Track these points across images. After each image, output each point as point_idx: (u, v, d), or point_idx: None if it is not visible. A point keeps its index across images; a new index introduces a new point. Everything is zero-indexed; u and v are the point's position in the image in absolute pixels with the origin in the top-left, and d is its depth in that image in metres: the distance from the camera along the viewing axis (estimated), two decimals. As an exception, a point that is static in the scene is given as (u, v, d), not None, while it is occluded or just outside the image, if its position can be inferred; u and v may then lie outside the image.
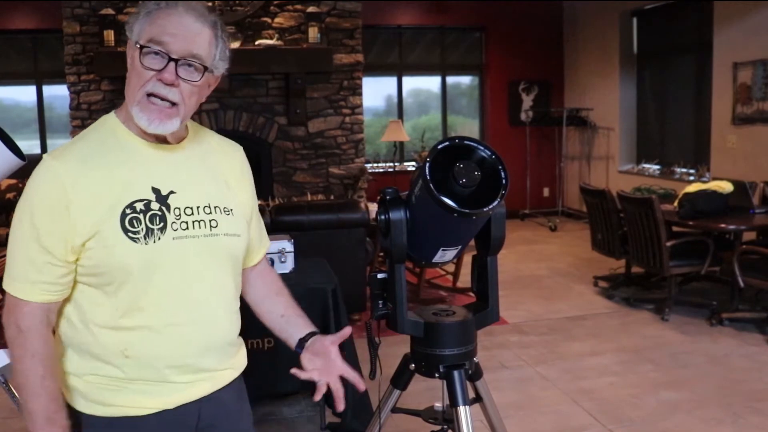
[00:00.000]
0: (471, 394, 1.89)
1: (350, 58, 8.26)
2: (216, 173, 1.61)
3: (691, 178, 7.66)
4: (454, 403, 1.81)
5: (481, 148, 1.60)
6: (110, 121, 1.53)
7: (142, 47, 1.43)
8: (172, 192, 1.50)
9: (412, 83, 9.99)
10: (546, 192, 10.15)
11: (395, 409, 1.98)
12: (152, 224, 1.45)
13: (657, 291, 5.92)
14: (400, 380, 1.94)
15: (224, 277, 1.59)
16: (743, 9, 6.73)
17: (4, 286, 1.47)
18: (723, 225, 5.04)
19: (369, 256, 5.46)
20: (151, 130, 1.46)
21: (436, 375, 1.83)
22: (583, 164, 9.76)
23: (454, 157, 1.56)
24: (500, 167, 1.58)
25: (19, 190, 7.40)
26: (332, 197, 8.00)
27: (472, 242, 1.84)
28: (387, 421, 2.00)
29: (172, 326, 1.49)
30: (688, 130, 8.11)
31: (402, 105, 9.87)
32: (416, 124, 9.98)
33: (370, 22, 8.85)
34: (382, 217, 1.72)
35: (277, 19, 7.95)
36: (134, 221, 1.44)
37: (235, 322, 1.64)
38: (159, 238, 1.45)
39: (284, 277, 3.49)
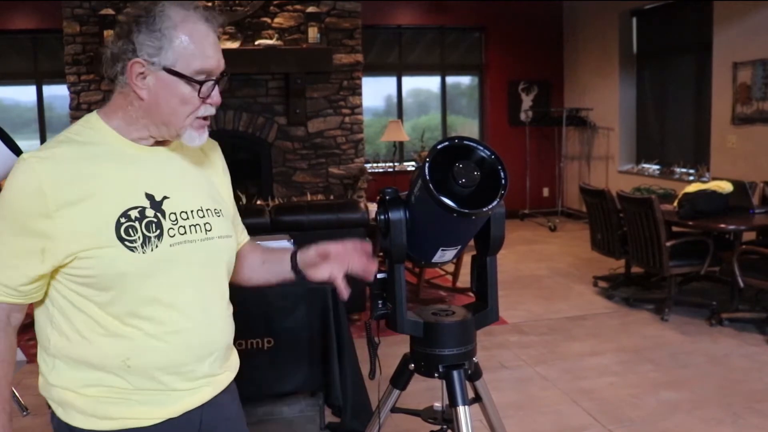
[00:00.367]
0: (470, 394, 1.89)
1: (350, 58, 8.26)
2: (202, 173, 1.60)
3: (691, 178, 7.66)
4: (453, 403, 1.80)
5: (481, 148, 1.60)
6: (96, 123, 1.48)
7: (200, 83, 1.41)
8: (165, 197, 1.47)
9: (411, 83, 9.99)
10: (546, 192, 10.15)
11: (395, 409, 1.98)
12: (148, 232, 1.42)
13: (657, 291, 5.93)
14: (400, 380, 1.94)
15: (221, 281, 1.59)
16: (743, 9, 6.74)
17: None
18: (723, 225, 5.04)
19: (369, 256, 5.46)
20: (197, 144, 1.48)
21: (436, 375, 1.82)
22: (582, 164, 9.76)
23: (454, 157, 1.56)
24: (500, 167, 1.58)
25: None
26: (332, 197, 8.00)
27: (472, 242, 1.84)
28: (386, 421, 2.00)
29: (173, 333, 1.46)
30: (687, 130, 8.11)
31: (402, 105, 9.87)
32: (416, 124, 9.98)
33: (370, 22, 8.85)
34: (382, 217, 1.72)
35: (276, 19, 7.95)
36: (130, 230, 1.40)
37: (231, 325, 1.63)
38: (156, 246, 1.42)
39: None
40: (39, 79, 8.72)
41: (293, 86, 7.87)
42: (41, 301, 1.47)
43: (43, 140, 8.80)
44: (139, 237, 1.40)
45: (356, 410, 3.27)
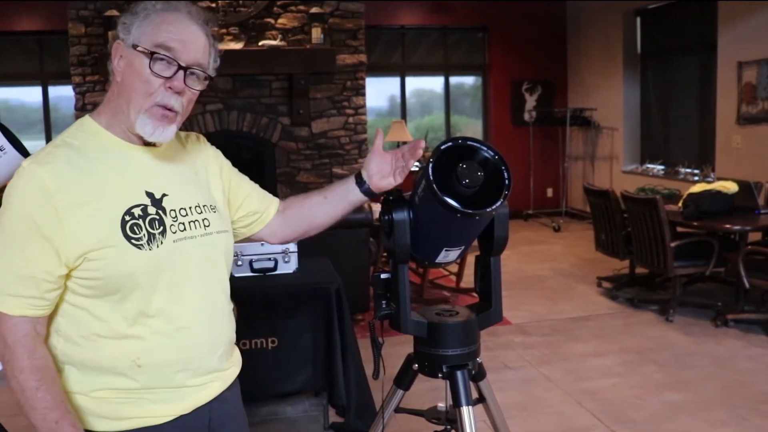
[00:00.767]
0: (474, 395, 1.89)
1: (353, 59, 8.26)
2: (195, 170, 1.61)
3: (696, 178, 7.64)
4: (457, 404, 1.80)
5: (485, 148, 1.60)
6: (90, 125, 1.49)
7: (152, 53, 1.40)
8: (165, 195, 1.48)
9: (415, 83, 10.00)
10: (549, 192, 10.14)
11: (398, 409, 1.98)
12: (152, 229, 1.43)
13: (661, 292, 5.91)
14: (404, 380, 1.94)
15: (222, 275, 1.60)
16: (748, 8, 6.72)
17: None
18: (728, 225, 5.03)
19: (372, 257, 5.46)
20: (152, 138, 1.44)
21: (440, 375, 1.83)
22: (586, 164, 9.76)
23: (458, 157, 1.56)
24: (503, 168, 1.58)
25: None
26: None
27: (476, 242, 1.84)
28: (390, 421, 2.00)
29: (181, 330, 1.47)
30: (692, 130, 8.10)
31: (405, 105, 9.87)
32: (419, 124, 9.98)
33: (373, 22, 8.85)
34: (386, 217, 1.73)
35: (280, 20, 7.96)
36: (135, 228, 1.41)
37: (233, 320, 1.64)
38: (161, 243, 1.43)
39: (288, 277, 3.52)
40: (45, 80, 8.75)
41: (297, 87, 7.87)
42: None
43: (48, 141, 8.78)
44: (144, 234, 1.41)
45: (360, 410, 3.27)
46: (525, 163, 9.77)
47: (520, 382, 4.20)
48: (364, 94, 8.40)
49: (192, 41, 1.44)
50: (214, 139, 1.82)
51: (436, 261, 1.78)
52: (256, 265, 3.42)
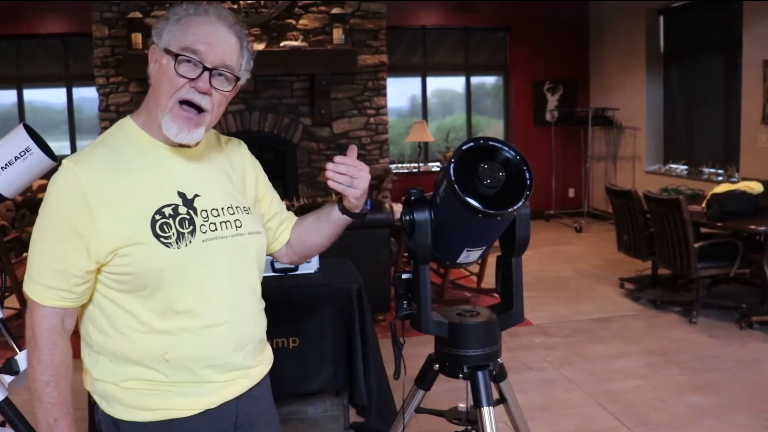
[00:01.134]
0: (495, 395, 1.89)
1: (374, 59, 8.28)
2: (230, 173, 1.65)
3: (720, 178, 7.57)
4: (478, 404, 1.80)
5: (506, 148, 1.60)
6: (128, 125, 1.54)
7: (177, 55, 1.44)
8: (197, 195, 1.52)
9: (436, 84, 9.98)
10: (571, 193, 10.09)
11: (419, 410, 1.99)
12: (182, 228, 1.47)
13: (684, 293, 5.86)
14: (424, 380, 1.94)
15: (252, 276, 1.62)
16: (773, 7, 6.65)
17: (24, 287, 1.49)
18: (753, 226, 4.98)
19: (393, 257, 5.47)
20: (178, 139, 1.48)
21: (460, 375, 1.82)
22: (609, 164, 9.69)
23: (479, 157, 1.56)
24: (525, 168, 1.58)
25: (48, 191, 7.49)
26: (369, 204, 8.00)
27: (497, 243, 1.84)
28: (411, 422, 2.00)
29: (209, 327, 1.51)
30: (716, 129, 8.02)
31: (426, 105, 9.86)
32: (441, 124, 9.97)
33: (395, 22, 8.85)
34: (407, 217, 1.73)
35: (301, 21, 7.99)
36: (165, 226, 1.45)
37: (264, 319, 1.68)
38: (190, 242, 1.47)
39: (309, 277, 3.53)
40: (69, 82, 8.84)
41: (318, 87, 7.90)
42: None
43: (72, 141, 8.93)
44: (173, 233, 1.45)
45: (380, 410, 3.28)
46: (546, 163, 9.73)
47: (542, 383, 4.18)
48: (385, 95, 8.40)
49: (218, 43, 1.47)
50: (236, 140, 1.84)
51: (458, 261, 1.78)
52: (277, 265, 3.43)
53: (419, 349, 2.02)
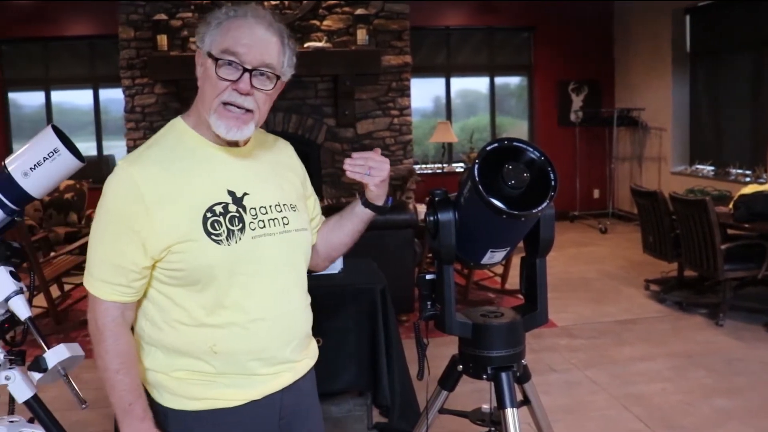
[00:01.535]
0: (519, 397, 1.88)
1: (398, 60, 8.28)
2: (278, 171, 1.69)
3: (747, 179, 7.47)
4: (501, 405, 1.80)
5: (530, 149, 1.60)
6: (179, 126, 1.59)
7: (217, 59, 1.48)
8: (246, 193, 1.57)
9: (460, 84, 9.97)
10: (596, 193, 10.02)
11: (442, 410, 1.99)
12: (232, 225, 1.52)
13: (711, 295, 5.79)
14: (448, 381, 1.94)
15: (299, 272, 1.68)
16: (802, 6, 6.56)
17: (84, 282, 1.56)
18: (780, 228, 4.92)
19: (417, 257, 5.47)
20: (229, 137, 1.53)
21: (484, 376, 1.83)
22: (634, 165, 9.62)
23: (503, 158, 1.56)
24: (549, 169, 1.58)
25: (77, 191, 7.59)
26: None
27: (521, 244, 1.84)
28: (434, 422, 2.00)
29: (256, 322, 1.56)
30: (744, 129, 7.92)
31: (450, 106, 9.85)
32: (465, 125, 9.95)
33: (418, 23, 8.85)
34: (431, 218, 1.73)
35: (325, 22, 8.01)
36: (215, 224, 1.50)
37: (310, 314, 1.73)
38: (240, 239, 1.52)
39: (333, 277, 3.54)
40: (95, 83, 8.95)
41: (342, 88, 7.91)
42: None
43: (99, 142, 9.03)
44: (223, 231, 1.51)
45: (404, 411, 3.28)
46: (571, 163, 9.67)
47: (566, 385, 4.16)
48: (409, 95, 8.40)
49: (256, 43, 1.51)
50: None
51: (482, 262, 1.78)
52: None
53: (443, 349, 2.02)
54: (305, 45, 7.79)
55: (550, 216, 1.75)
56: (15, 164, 1.83)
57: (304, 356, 1.71)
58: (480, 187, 1.53)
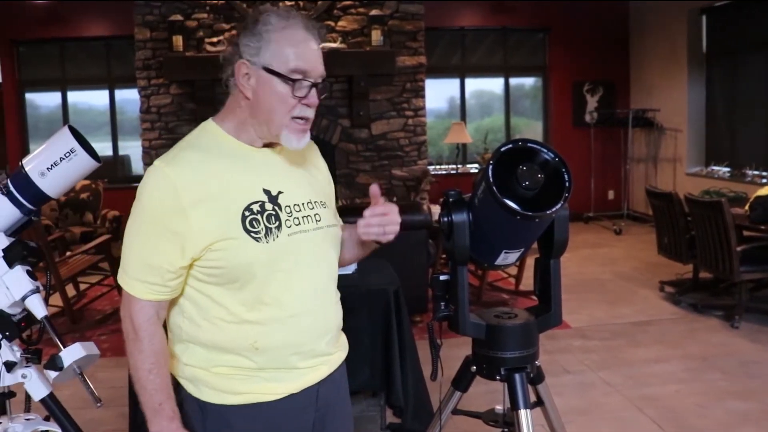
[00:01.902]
0: (532, 398, 1.88)
1: (413, 60, 8.28)
2: (307, 169, 1.73)
3: (764, 180, 7.43)
4: (515, 407, 1.80)
5: (545, 150, 1.60)
6: (212, 128, 1.61)
7: (289, 78, 1.53)
8: (280, 192, 1.60)
9: (474, 85, 9.95)
10: (611, 195, 9.98)
11: (456, 411, 1.99)
12: (269, 223, 1.55)
13: (726, 297, 5.76)
14: (461, 382, 1.94)
15: (332, 266, 1.71)
16: (820, 6, 6.51)
17: (119, 281, 1.58)
18: (797, 230, 4.88)
19: (431, 258, 5.47)
20: (300, 146, 1.60)
21: (498, 377, 1.82)
22: (649, 166, 9.57)
23: (518, 159, 1.56)
24: (563, 169, 1.58)
25: (92, 191, 7.64)
26: (395, 199, 8.02)
27: (535, 245, 1.83)
28: (447, 423, 2.00)
29: (294, 316, 1.59)
30: (760, 131, 7.86)
31: (465, 107, 9.84)
32: (479, 125, 9.94)
33: (433, 24, 8.85)
34: (445, 219, 1.73)
35: (340, 23, 8.03)
36: (254, 222, 1.53)
37: (341, 307, 1.76)
38: (277, 236, 1.55)
39: (347, 278, 3.53)
40: (111, 84, 9.00)
41: (356, 89, 7.92)
42: None
43: (115, 143, 9.08)
44: (262, 228, 1.54)
45: (417, 411, 3.28)
46: (586, 164, 9.63)
47: (579, 387, 4.15)
48: (423, 96, 8.40)
49: (316, 58, 1.58)
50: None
51: (496, 263, 1.78)
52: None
53: (456, 350, 2.02)
54: (320, 45, 7.80)
55: (565, 217, 1.75)
56: (32, 164, 1.85)
57: (337, 349, 1.74)
58: (494, 188, 1.53)
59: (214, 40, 7.82)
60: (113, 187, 8.39)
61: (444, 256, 5.69)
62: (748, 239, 5.24)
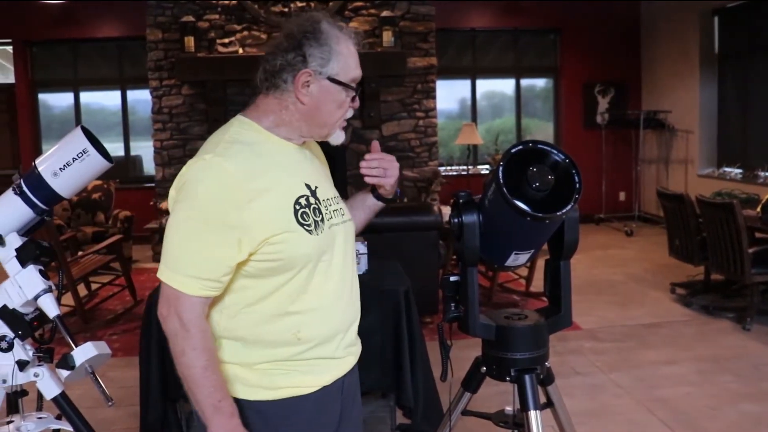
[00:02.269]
0: (542, 399, 1.88)
1: (424, 62, 8.29)
2: (323, 166, 1.79)
3: (776, 182, 7.39)
4: (524, 408, 1.80)
5: (555, 151, 1.60)
6: (251, 125, 1.62)
7: (353, 88, 1.63)
8: (317, 186, 1.65)
9: (485, 86, 9.95)
10: (622, 196, 9.95)
11: (465, 412, 1.99)
12: (316, 216, 1.60)
13: (738, 299, 5.73)
14: (471, 383, 1.94)
15: (354, 257, 1.76)
16: (833, 7, 6.46)
17: (164, 279, 1.52)
18: (809, 232, 4.85)
19: (442, 259, 5.46)
20: (340, 143, 1.70)
21: (507, 379, 1.82)
22: (660, 168, 9.54)
23: (528, 160, 1.56)
24: (574, 171, 1.57)
25: (104, 191, 7.67)
26: (405, 200, 8.03)
27: (546, 246, 1.83)
28: (457, 424, 2.00)
29: (330, 306, 1.63)
30: (773, 132, 7.82)
31: (476, 108, 9.83)
32: (490, 127, 9.93)
33: (444, 25, 8.85)
34: (456, 220, 1.74)
35: (351, 24, 8.04)
36: (304, 215, 1.57)
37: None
38: (323, 229, 1.60)
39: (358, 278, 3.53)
40: (123, 84, 9.05)
41: (368, 90, 7.94)
42: None
43: (126, 143, 9.13)
44: (312, 221, 1.58)
45: (427, 412, 3.28)
46: (597, 166, 9.61)
47: (590, 388, 4.14)
48: (434, 97, 8.41)
49: (360, 66, 1.67)
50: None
51: (506, 264, 1.78)
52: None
53: (466, 351, 2.02)
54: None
55: (575, 218, 1.74)
56: (45, 164, 1.86)
57: (358, 340, 1.77)
58: (504, 189, 1.53)
59: (226, 40, 7.86)
60: (125, 188, 8.43)
61: (455, 257, 5.69)
62: (760, 241, 5.22)
